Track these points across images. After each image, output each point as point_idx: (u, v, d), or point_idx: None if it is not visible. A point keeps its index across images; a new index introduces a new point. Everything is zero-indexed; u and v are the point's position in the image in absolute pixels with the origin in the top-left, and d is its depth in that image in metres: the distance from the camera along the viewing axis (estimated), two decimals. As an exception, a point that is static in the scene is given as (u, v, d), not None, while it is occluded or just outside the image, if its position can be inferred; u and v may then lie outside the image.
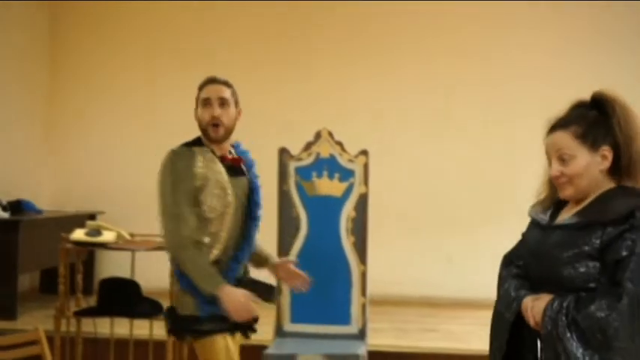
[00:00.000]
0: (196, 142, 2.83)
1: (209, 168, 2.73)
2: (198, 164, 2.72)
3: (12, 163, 6.61)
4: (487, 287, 6.07)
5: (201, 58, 6.65)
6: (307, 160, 4.24)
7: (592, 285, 1.87)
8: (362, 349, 3.73)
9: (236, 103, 2.88)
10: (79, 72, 7.08)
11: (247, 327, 2.76)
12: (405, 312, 5.84)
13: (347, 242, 4.01)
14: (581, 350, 1.81)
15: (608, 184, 1.96)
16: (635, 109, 2.02)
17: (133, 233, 4.03)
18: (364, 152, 4.15)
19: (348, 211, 4.12)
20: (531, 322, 1.90)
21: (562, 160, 1.98)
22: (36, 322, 3.63)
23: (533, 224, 2.12)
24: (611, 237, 1.86)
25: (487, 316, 4.93)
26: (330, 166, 4.24)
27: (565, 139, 1.98)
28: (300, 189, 4.22)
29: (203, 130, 2.77)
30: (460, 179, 6.50)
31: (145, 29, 6.86)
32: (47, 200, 6.79)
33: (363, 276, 4.00)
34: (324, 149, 4.24)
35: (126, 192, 6.83)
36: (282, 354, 3.36)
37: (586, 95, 2.08)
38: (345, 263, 4.01)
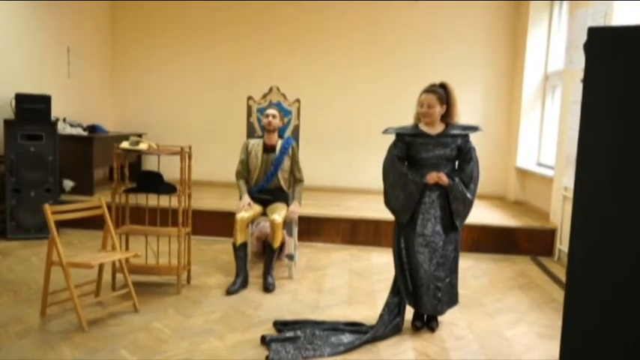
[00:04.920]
0: (260, 136, 4.72)
1: (254, 149, 4.68)
2: (249, 147, 4.72)
3: (89, 100, 7.71)
4: (370, 181, 7.74)
5: (216, 27, 7.74)
6: (264, 104, 5.17)
7: (450, 163, 3.41)
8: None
9: (281, 118, 4.68)
10: (133, 37, 8.00)
11: None
12: (322, 195, 7.37)
13: (286, 153, 4.79)
14: (465, 189, 3.36)
15: (442, 120, 3.46)
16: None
17: (159, 144, 4.41)
18: (298, 100, 5.21)
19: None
20: (435, 179, 3.33)
21: (429, 107, 3.40)
22: (103, 196, 4.10)
23: (412, 135, 3.41)
24: (464, 140, 3.42)
25: (370, 198, 7.31)
26: (277, 107, 5.00)
27: (432, 98, 3.42)
28: (259, 121, 5.10)
29: (263, 127, 4.68)
30: (356, 117, 7.95)
31: (180, 6, 7.68)
32: (112, 124, 8.14)
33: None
34: (274, 97, 5.21)
35: (161, 120, 7.96)
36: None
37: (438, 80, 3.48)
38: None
